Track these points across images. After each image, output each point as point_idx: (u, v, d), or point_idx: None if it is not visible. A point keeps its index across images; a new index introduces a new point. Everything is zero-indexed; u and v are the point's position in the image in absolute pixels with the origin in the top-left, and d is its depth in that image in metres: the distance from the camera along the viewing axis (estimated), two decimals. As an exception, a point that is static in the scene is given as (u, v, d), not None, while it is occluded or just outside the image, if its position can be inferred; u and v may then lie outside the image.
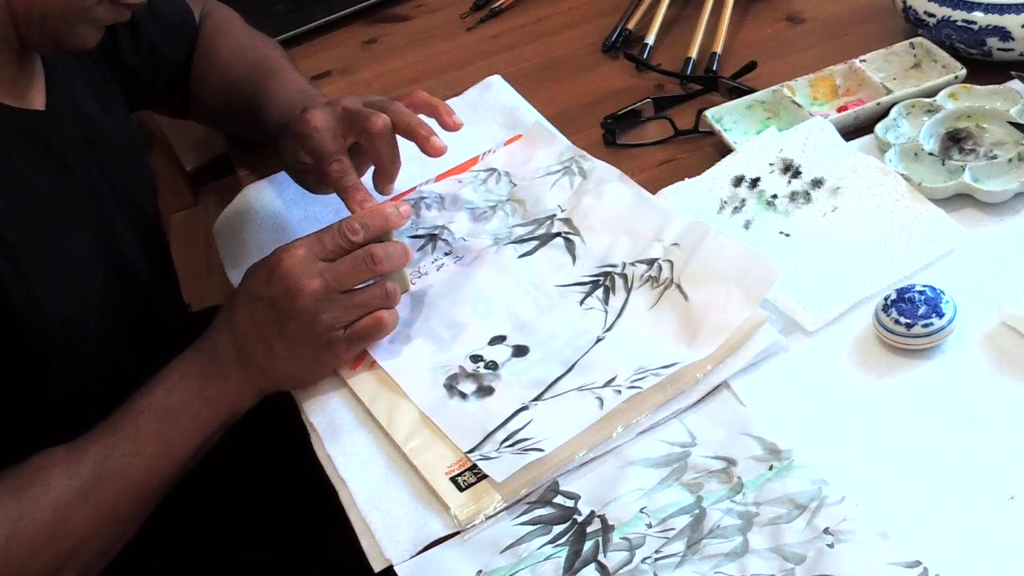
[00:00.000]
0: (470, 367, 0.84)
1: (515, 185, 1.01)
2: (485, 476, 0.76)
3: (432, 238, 0.98)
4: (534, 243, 0.94)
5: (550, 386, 0.81)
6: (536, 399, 0.80)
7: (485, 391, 0.82)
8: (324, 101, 0.96)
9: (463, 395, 0.82)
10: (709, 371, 0.80)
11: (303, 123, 0.91)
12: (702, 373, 0.80)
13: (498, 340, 0.86)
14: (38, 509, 0.76)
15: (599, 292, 0.88)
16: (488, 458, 0.76)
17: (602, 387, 0.79)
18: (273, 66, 1.08)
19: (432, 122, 0.93)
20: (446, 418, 0.80)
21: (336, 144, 0.91)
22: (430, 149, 0.91)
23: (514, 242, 0.95)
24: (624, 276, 0.88)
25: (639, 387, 0.78)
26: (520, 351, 0.85)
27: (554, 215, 0.96)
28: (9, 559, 0.74)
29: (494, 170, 1.03)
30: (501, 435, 0.78)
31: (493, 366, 0.84)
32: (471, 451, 0.77)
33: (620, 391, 0.78)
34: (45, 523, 0.76)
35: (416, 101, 0.94)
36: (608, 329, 0.85)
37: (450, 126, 0.94)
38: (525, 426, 0.78)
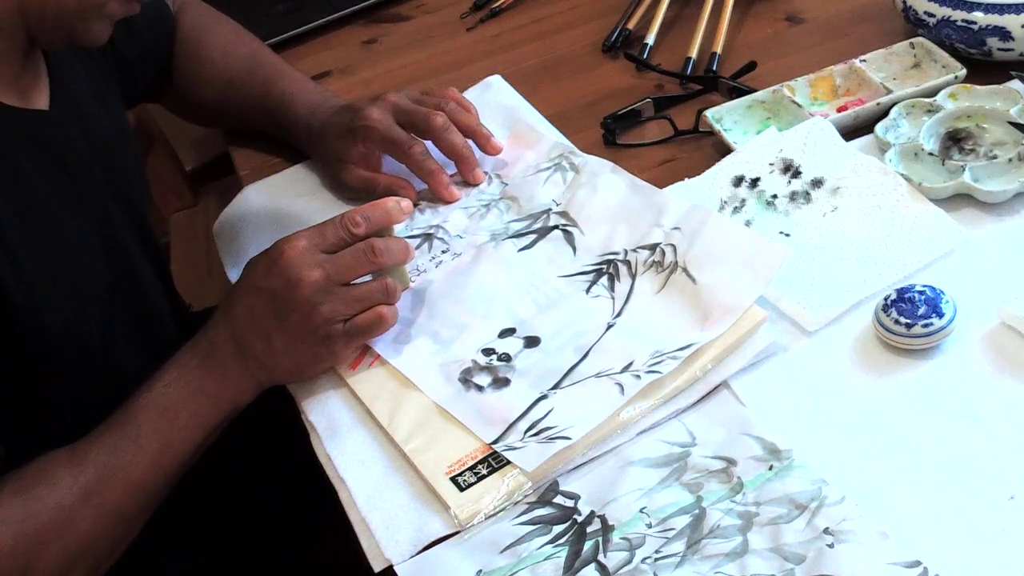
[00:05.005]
0: (483, 360, 0.84)
1: (506, 184, 1.01)
2: (485, 476, 0.76)
3: (428, 236, 0.98)
4: (532, 236, 0.94)
5: (567, 374, 0.81)
6: (554, 387, 0.81)
7: (501, 382, 0.82)
8: (368, 99, 1.03)
9: (479, 387, 0.82)
10: (709, 370, 0.80)
11: (364, 118, 1.00)
12: (702, 372, 0.80)
13: (508, 332, 0.86)
14: (44, 509, 0.76)
15: (604, 280, 0.88)
16: (513, 448, 0.77)
17: (620, 372, 0.80)
18: (271, 62, 1.14)
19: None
20: (465, 411, 0.80)
21: (406, 133, 1.00)
22: (491, 149, 1.03)
23: (512, 237, 0.95)
24: (627, 263, 0.89)
25: (659, 371, 0.79)
26: (532, 342, 0.85)
27: (550, 209, 0.96)
28: (16, 558, 0.74)
29: (483, 172, 1.03)
30: (523, 425, 0.78)
31: (506, 358, 0.84)
32: (495, 442, 0.77)
33: (639, 376, 0.79)
34: (51, 523, 0.76)
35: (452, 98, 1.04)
36: (617, 315, 0.85)
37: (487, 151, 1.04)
38: (547, 415, 0.78)
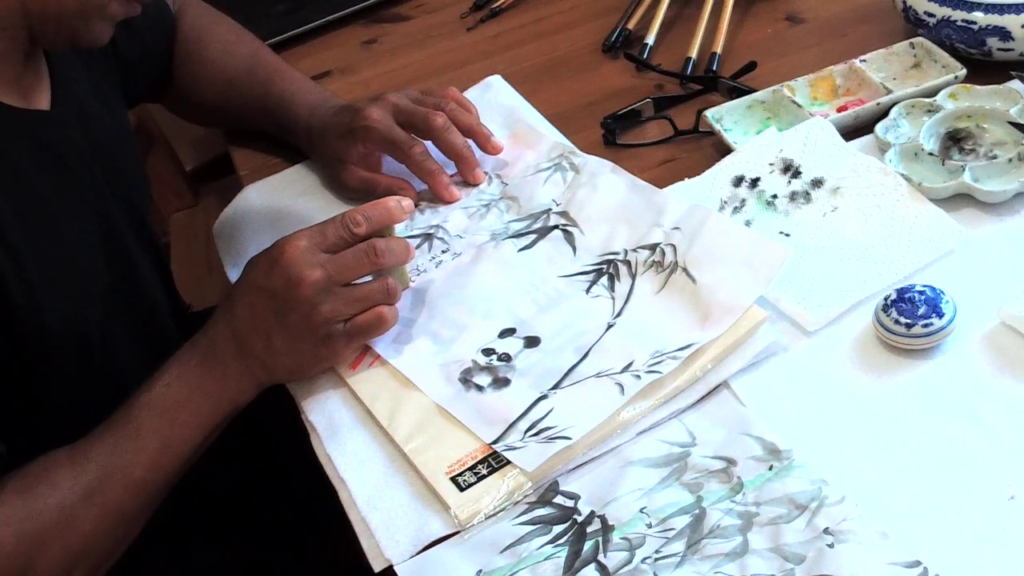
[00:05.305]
0: (483, 360, 0.84)
1: (506, 184, 1.01)
2: (486, 476, 0.76)
3: (428, 236, 0.98)
4: (532, 236, 0.94)
5: (567, 374, 0.81)
6: (554, 387, 0.81)
7: (501, 382, 0.82)
8: (368, 99, 1.04)
9: (479, 387, 0.82)
10: (709, 370, 0.80)
11: (364, 119, 1.00)
12: (702, 372, 0.80)
13: (508, 332, 0.86)
14: (45, 509, 0.76)
15: (604, 280, 0.88)
16: (514, 448, 0.77)
17: (620, 372, 0.80)
18: (271, 62, 1.13)
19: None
20: (466, 411, 0.80)
21: (406, 133, 1.00)
22: (491, 149, 1.03)
23: (512, 237, 0.95)
24: (628, 263, 0.89)
25: (659, 371, 0.79)
26: (532, 342, 0.85)
27: (550, 209, 0.97)
28: (17, 557, 0.74)
29: (484, 172, 1.03)
30: (524, 424, 0.78)
31: (506, 358, 0.84)
32: (495, 441, 0.77)
33: (639, 376, 0.79)
34: (52, 523, 0.76)
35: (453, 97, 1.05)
36: (617, 315, 0.85)
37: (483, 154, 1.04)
38: (547, 415, 0.78)
